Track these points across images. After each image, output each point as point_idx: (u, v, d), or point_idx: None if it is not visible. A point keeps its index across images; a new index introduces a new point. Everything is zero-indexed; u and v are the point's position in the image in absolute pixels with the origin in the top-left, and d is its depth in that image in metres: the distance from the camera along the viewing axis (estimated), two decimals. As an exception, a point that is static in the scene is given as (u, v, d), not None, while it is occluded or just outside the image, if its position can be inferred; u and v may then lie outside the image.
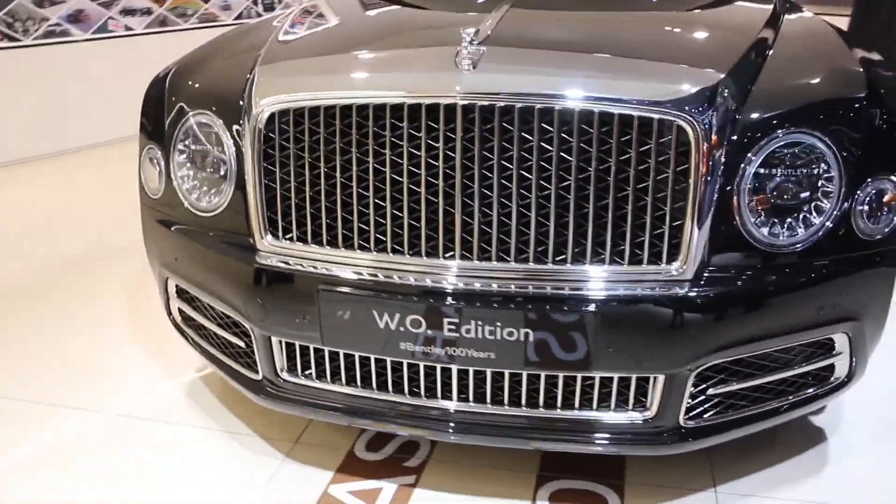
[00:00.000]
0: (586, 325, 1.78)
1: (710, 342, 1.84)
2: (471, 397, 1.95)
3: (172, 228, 2.22)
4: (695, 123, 1.74)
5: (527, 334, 1.80)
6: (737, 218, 1.82)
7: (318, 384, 2.06)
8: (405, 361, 1.93)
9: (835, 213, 1.87)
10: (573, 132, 1.76)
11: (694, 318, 1.81)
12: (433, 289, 1.83)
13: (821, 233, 1.87)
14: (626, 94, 1.77)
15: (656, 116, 1.75)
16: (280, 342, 2.05)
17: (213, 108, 2.11)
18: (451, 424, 1.96)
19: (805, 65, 2.07)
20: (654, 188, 1.78)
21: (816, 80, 1.99)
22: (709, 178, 1.78)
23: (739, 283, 1.84)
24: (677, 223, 1.81)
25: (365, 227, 1.90)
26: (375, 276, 1.87)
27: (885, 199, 1.93)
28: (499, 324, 1.81)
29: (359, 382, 2.02)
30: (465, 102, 1.78)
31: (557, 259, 1.82)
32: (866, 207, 1.91)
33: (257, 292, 1.99)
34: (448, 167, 1.82)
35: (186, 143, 2.17)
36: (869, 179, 1.90)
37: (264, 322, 2.02)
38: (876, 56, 2.24)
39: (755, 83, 1.95)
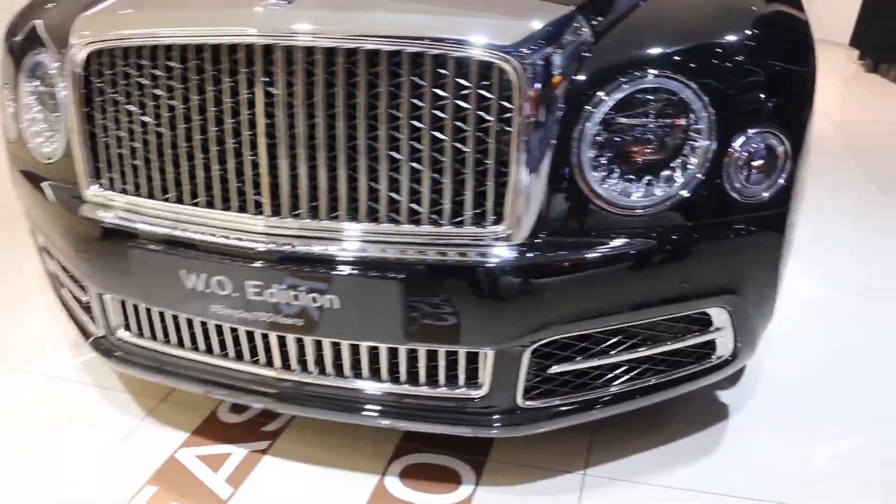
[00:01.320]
0: (396, 292, 1.51)
1: (543, 316, 1.55)
2: (300, 365, 1.72)
3: (25, 176, 2.03)
4: (517, 64, 1.43)
5: (332, 301, 1.54)
6: (577, 174, 1.52)
7: (154, 345, 1.86)
8: (228, 326, 1.70)
9: (702, 171, 1.54)
10: (382, 75, 1.47)
11: (521, 288, 1.52)
12: (234, 248, 1.59)
13: (685, 194, 1.55)
14: (439, 31, 1.46)
15: (473, 56, 1.43)
16: (112, 299, 1.85)
17: (47, 48, 1.88)
18: (279, 393, 1.74)
19: (690, 2, 1.70)
20: (474, 139, 1.47)
21: (695, 19, 1.63)
22: (537, 128, 1.47)
23: (579, 248, 1.53)
24: (503, 180, 1.50)
25: (180, 178, 1.66)
26: (181, 231, 1.64)
27: (767, 156, 1.57)
28: (303, 289, 1.56)
29: (193, 345, 1.80)
30: (265, 42, 1.50)
31: (371, 218, 1.55)
32: (743, 166, 1.56)
33: (81, 245, 1.79)
34: (252, 114, 1.55)
35: (30, 85, 1.95)
36: (747, 133, 1.55)
37: (92, 278, 1.82)
38: None
39: (622, 20, 1.61)
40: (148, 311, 1.84)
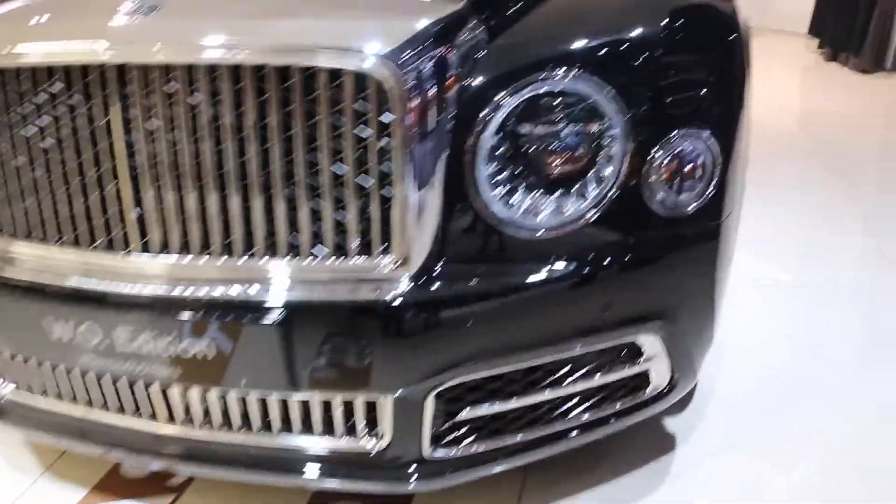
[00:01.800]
0: (275, 337, 1.29)
1: (443, 356, 1.34)
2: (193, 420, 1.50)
3: None
4: (395, 71, 1.22)
5: (206, 349, 1.33)
6: (474, 193, 1.30)
7: (38, 400, 1.63)
8: (100, 377, 1.48)
9: (618, 183, 1.33)
10: (247, 91, 1.26)
11: (414, 326, 1.31)
12: (100, 292, 1.37)
13: (600, 210, 1.33)
14: (307, 40, 1.24)
15: (345, 67, 1.22)
16: (-18, 351, 1.62)
17: None
18: (169, 452, 1.52)
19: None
20: (355, 160, 1.26)
21: (605, 13, 1.43)
22: (424, 142, 1.26)
23: (482, 278, 1.32)
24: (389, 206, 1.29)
25: (41, 215, 1.44)
26: (44, 273, 1.42)
27: (693, 162, 1.37)
28: (172, 336, 1.34)
29: (77, 400, 1.58)
30: (117, 61, 1.28)
31: (246, 253, 1.33)
32: (666, 175, 1.35)
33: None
34: (112, 142, 1.34)
35: None
36: (670, 137, 1.34)
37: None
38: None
39: (523, 16, 1.40)
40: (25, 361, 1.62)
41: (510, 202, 1.33)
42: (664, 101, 1.36)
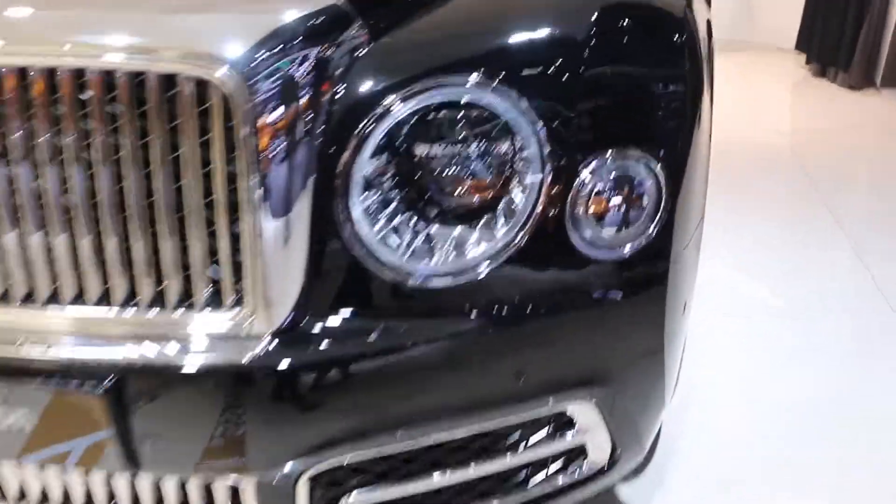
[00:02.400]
0: (101, 406, 1.00)
1: (310, 434, 1.06)
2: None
3: None
4: (238, 79, 0.93)
5: (25, 419, 1.04)
6: (349, 231, 1.01)
7: None
8: None
9: (534, 218, 1.04)
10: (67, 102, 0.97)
11: (272, 397, 1.02)
12: None
13: (509, 251, 1.05)
14: (135, 40, 0.96)
15: (180, 72, 0.94)
16: None
17: None
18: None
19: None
20: (198, 189, 0.98)
21: (522, 13, 1.13)
22: (280, 168, 0.97)
23: (358, 338, 1.03)
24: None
25: None
26: None
27: (632, 191, 1.08)
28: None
29: None
30: None
31: (76, 302, 1.04)
32: (595, 207, 1.06)
33: None
34: None
35: None
36: (600, 161, 1.06)
37: None
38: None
39: (418, 12, 1.12)
40: None
41: (395, 242, 1.04)
42: (593, 116, 1.08)
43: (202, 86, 0.96)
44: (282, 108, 0.98)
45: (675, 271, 1.17)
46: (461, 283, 1.07)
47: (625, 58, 1.12)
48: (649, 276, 1.14)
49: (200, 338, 1.04)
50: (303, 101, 0.99)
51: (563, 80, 1.07)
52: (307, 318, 1.05)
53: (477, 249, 1.07)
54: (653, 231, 1.12)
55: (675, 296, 1.19)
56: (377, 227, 1.04)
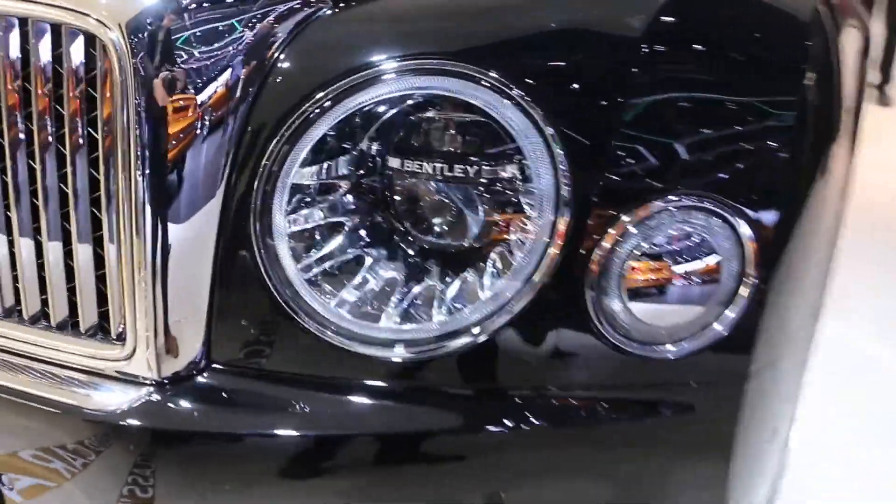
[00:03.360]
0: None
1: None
2: None
3: None
4: (122, 35, 0.66)
5: None
6: (265, 261, 0.71)
7: None
8: None
9: (537, 278, 0.69)
10: None
11: (143, 468, 0.73)
12: None
13: (495, 321, 0.71)
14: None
15: (45, 17, 0.69)
16: None
17: None
18: None
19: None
20: (80, 178, 0.72)
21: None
22: (175, 158, 0.68)
23: (276, 413, 0.74)
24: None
25: None
26: None
27: (693, 256, 0.70)
28: None
29: None
30: None
31: None
32: (636, 277, 0.70)
33: None
34: None
35: None
36: (650, 208, 0.69)
37: None
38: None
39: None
40: None
41: (332, 288, 0.73)
42: (645, 143, 0.71)
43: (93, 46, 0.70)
44: (188, 80, 0.70)
45: (758, 387, 0.77)
46: (423, 356, 0.73)
47: (707, 64, 0.74)
48: (712, 390, 0.75)
49: (71, 370, 0.77)
50: (221, 74, 0.70)
51: (602, 84, 0.71)
52: (208, 370, 0.76)
53: (450, 314, 0.73)
54: (725, 324, 0.74)
55: (755, 420, 0.79)
56: (307, 262, 0.73)
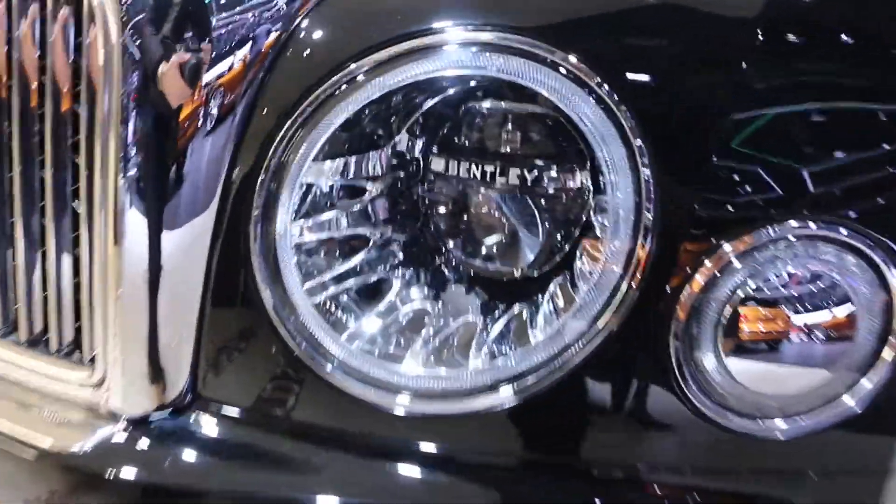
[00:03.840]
0: None
1: None
2: None
3: None
4: None
5: None
6: (264, 286, 0.56)
7: None
8: None
9: (605, 316, 0.52)
10: None
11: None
12: None
13: (552, 374, 0.54)
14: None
15: None
16: None
17: None
18: None
19: None
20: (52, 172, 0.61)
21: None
22: (164, 153, 0.56)
23: (271, 468, 0.59)
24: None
25: None
26: None
27: (821, 301, 0.52)
28: None
29: None
30: None
31: None
32: (731, 325, 0.53)
33: None
34: None
35: None
36: (763, 234, 0.51)
37: None
38: None
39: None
40: None
41: (348, 322, 0.58)
42: (762, 156, 0.53)
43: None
44: (195, 55, 0.57)
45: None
46: (453, 412, 0.57)
47: (852, 61, 0.56)
48: (839, 485, 0.56)
49: (37, 393, 0.65)
50: (239, 48, 0.57)
51: (710, 82, 0.54)
52: (195, 409, 0.61)
53: (493, 358, 0.57)
54: (858, 397, 0.55)
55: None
56: (317, 283, 0.58)
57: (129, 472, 0.59)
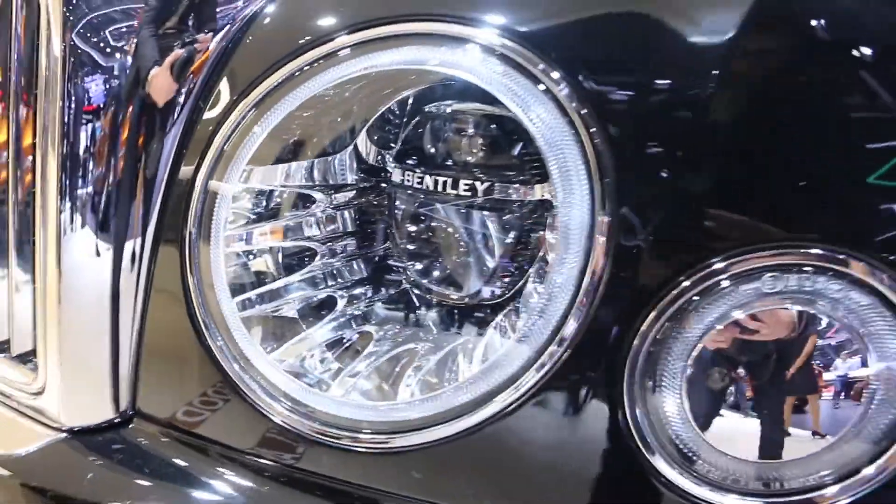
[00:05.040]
0: None
1: None
2: None
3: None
4: None
5: None
6: (196, 297, 0.52)
7: None
8: None
9: (542, 353, 0.45)
10: None
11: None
12: None
13: (480, 416, 0.46)
14: None
15: None
16: None
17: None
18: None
19: None
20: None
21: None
22: (101, 139, 0.53)
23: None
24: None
25: None
26: None
27: (813, 351, 0.41)
28: None
29: None
30: None
31: None
32: (714, 378, 0.43)
33: None
34: None
35: None
36: (742, 261, 0.42)
37: None
38: None
39: None
40: None
41: (280, 340, 0.52)
42: (739, 171, 0.43)
43: None
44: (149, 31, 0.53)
45: None
46: (381, 448, 0.49)
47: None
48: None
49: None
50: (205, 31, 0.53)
51: (673, 97, 0.44)
52: (132, 422, 0.57)
53: (427, 391, 0.49)
54: (877, 472, 0.43)
55: None
56: (249, 296, 0.52)
57: (46, 481, 0.56)
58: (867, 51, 0.42)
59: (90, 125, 0.53)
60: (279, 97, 0.50)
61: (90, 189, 0.53)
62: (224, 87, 0.52)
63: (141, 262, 0.54)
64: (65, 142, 0.53)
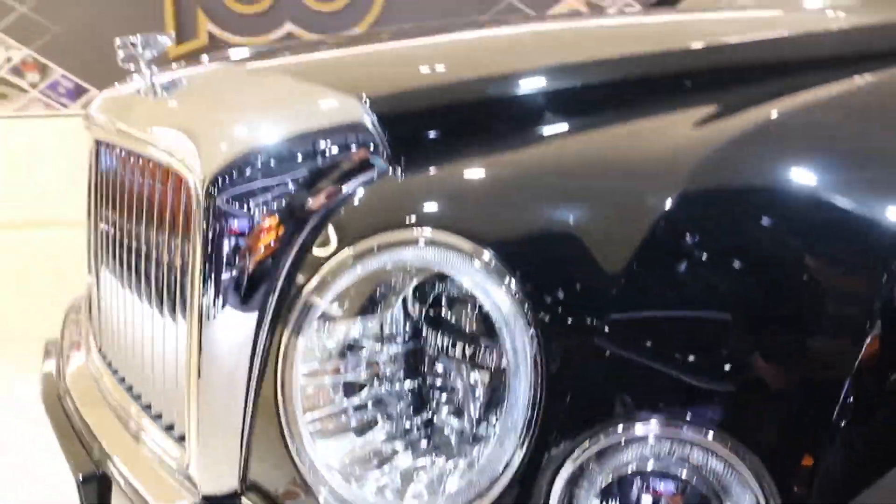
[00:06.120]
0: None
1: None
2: None
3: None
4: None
5: None
6: (283, 404, 0.75)
7: None
8: None
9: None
10: None
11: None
12: None
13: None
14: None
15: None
16: None
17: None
18: None
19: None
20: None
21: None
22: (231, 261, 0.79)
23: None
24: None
25: None
26: None
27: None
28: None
29: None
30: None
31: None
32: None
33: None
34: None
35: None
36: (611, 434, 0.59)
37: None
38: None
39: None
40: None
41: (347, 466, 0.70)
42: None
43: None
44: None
45: None
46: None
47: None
48: None
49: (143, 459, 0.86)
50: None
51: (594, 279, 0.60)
52: (244, 497, 0.79)
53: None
54: None
55: None
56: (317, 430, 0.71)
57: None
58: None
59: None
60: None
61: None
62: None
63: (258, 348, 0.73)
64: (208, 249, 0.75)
